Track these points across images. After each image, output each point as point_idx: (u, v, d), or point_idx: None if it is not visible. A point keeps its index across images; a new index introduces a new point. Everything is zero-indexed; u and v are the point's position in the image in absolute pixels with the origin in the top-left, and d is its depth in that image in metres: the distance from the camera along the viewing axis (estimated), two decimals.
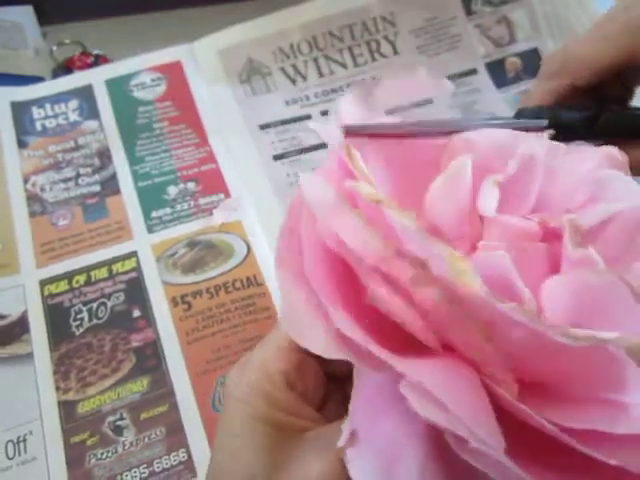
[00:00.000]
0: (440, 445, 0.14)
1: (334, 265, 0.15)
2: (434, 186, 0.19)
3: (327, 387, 0.21)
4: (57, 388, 0.34)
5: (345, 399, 0.17)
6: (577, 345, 0.12)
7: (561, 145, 0.20)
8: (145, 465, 0.32)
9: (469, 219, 0.19)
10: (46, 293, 0.38)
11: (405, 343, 0.14)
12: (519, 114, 0.35)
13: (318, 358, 0.21)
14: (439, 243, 0.14)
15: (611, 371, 0.13)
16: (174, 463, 0.32)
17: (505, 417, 0.14)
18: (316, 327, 0.15)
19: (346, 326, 0.14)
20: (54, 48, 0.53)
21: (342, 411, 0.17)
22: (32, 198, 0.42)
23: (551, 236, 0.18)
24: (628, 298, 0.14)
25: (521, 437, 0.14)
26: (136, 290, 0.38)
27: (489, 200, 0.18)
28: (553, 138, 0.33)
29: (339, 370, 0.21)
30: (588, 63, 0.33)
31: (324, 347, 0.15)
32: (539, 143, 0.20)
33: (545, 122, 0.33)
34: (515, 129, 0.26)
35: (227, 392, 0.20)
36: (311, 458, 0.17)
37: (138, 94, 0.47)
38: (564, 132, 0.33)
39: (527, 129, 0.32)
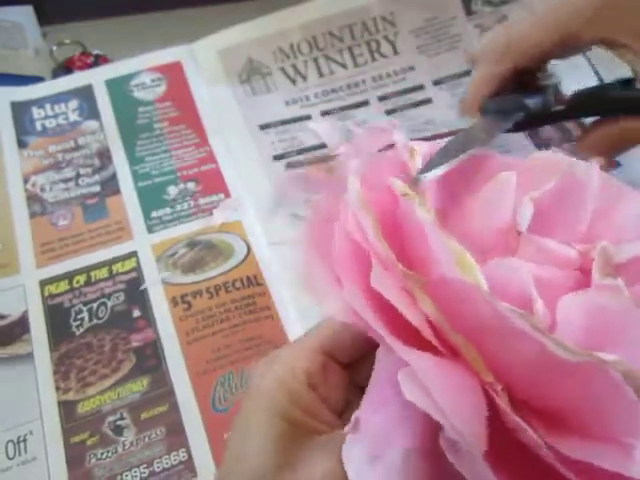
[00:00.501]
0: (430, 439, 0.14)
1: (360, 253, 0.16)
2: (476, 197, 0.19)
3: (351, 395, 0.21)
4: (57, 388, 0.34)
5: None
6: (573, 360, 0.12)
7: (620, 185, 0.20)
8: (145, 465, 0.32)
9: (506, 235, 0.18)
10: (46, 293, 0.38)
11: (415, 341, 0.14)
12: (485, 110, 0.35)
13: (343, 364, 0.21)
14: (451, 240, 0.14)
15: (623, 411, 0.13)
16: (174, 463, 0.32)
17: (503, 432, 0.14)
18: (334, 293, 0.15)
19: (358, 303, 0.14)
20: (54, 48, 0.53)
21: None
22: (32, 198, 0.42)
23: (590, 268, 0.18)
24: None
25: (513, 454, 0.14)
26: (136, 290, 0.38)
27: (522, 215, 0.18)
28: (520, 126, 0.33)
29: (364, 378, 0.21)
30: (533, 46, 0.33)
31: (339, 309, 0.15)
32: (589, 171, 0.19)
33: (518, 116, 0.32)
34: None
35: (252, 384, 0.20)
36: (318, 458, 0.17)
37: (138, 94, 0.47)
38: (529, 119, 0.33)
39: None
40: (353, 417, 0.16)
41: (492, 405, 0.14)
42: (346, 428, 0.16)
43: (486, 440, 0.13)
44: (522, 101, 0.33)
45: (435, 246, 0.15)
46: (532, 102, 0.33)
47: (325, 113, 0.48)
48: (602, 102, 0.35)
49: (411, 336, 0.14)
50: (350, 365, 0.21)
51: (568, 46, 0.34)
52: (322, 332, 0.20)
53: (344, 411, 0.21)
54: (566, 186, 0.19)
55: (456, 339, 0.14)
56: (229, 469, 0.19)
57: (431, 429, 0.14)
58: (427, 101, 0.48)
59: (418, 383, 0.13)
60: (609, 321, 0.14)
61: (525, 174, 0.19)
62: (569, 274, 0.17)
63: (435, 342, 0.14)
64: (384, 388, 0.16)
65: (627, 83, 0.35)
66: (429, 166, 0.19)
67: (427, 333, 0.14)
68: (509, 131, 0.33)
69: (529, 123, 0.34)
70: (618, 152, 0.37)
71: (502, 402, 0.14)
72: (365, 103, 0.48)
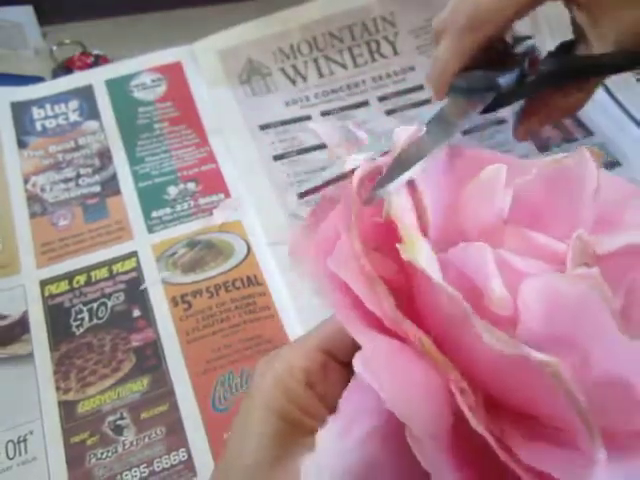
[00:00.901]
0: (395, 422, 0.14)
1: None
2: (467, 189, 0.18)
3: None
4: (57, 388, 0.34)
5: None
6: (499, 349, 0.12)
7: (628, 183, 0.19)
8: (145, 465, 0.32)
9: (493, 228, 0.18)
10: (46, 293, 0.38)
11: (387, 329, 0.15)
12: (453, 89, 0.32)
13: (344, 364, 0.21)
14: (407, 226, 0.15)
15: (564, 415, 0.13)
16: (174, 462, 0.32)
17: (468, 428, 0.14)
18: (315, 261, 0.16)
19: (323, 281, 0.15)
20: (54, 48, 0.53)
21: None
22: (32, 198, 0.42)
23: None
24: (604, 315, 0.13)
25: (477, 450, 0.14)
26: (136, 290, 0.38)
27: (503, 203, 0.18)
28: (491, 106, 0.31)
29: None
30: (506, 7, 0.30)
31: (317, 283, 0.16)
32: (588, 170, 0.19)
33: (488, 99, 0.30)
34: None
35: (252, 382, 0.20)
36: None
37: (138, 94, 0.47)
38: (501, 97, 0.31)
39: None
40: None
41: (457, 406, 0.14)
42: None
43: (439, 427, 0.13)
44: (494, 80, 0.30)
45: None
46: (504, 80, 0.30)
47: (325, 113, 0.48)
48: (573, 69, 0.33)
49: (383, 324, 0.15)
50: (350, 365, 0.21)
51: (539, 3, 0.31)
52: (323, 331, 0.20)
53: None
54: (560, 181, 0.18)
55: (413, 333, 0.14)
56: (228, 465, 0.19)
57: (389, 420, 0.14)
58: (427, 101, 0.48)
59: (371, 361, 0.13)
60: (568, 307, 0.13)
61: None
62: (552, 267, 0.16)
63: (400, 332, 0.14)
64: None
65: (568, 47, 0.34)
66: (390, 175, 0.18)
67: (389, 323, 0.14)
68: (480, 113, 0.30)
69: (500, 103, 0.31)
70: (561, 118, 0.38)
71: (457, 395, 0.13)
72: (365, 103, 0.48)
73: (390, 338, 0.14)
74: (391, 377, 0.13)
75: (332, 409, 0.20)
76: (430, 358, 0.14)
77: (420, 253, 0.14)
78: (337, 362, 0.20)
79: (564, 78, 0.33)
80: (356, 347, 0.20)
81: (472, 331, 0.13)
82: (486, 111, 0.31)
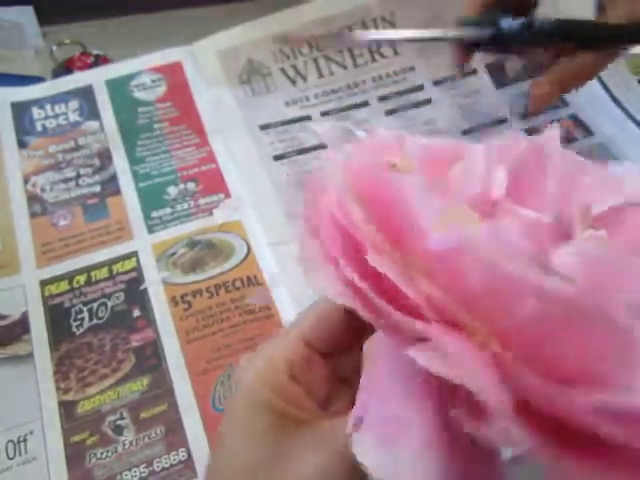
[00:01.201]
0: (445, 421, 0.14)
1: (347, 238, 0.16)
2: (452, 172, 0.19)
3: (334, 388, 0.21)
4: (57, 388, 0.34)
5: (351, 401, 0.17)
6: (575, 294, 0.12)
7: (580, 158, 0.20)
8: (145, 464, 0.32)
9: (481, 208, 0.18)
10: (46, 293, 0.38)
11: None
12: (460, 24, 0.36)
13: (324, 355, 0.21)
14: (433, 197, 0.15)
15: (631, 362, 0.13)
16: (174, 462, 0.32)
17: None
18: (327, 274, 0.16)
19: (360, 282, 0.15)
20: (54, 48, 0.53)
21: (346, 411, 0.17)
22: (32, 198, 0.42)
23: (563, 236, 0.18)
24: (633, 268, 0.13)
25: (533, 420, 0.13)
26: (136, 290, 0.38)
27: (497, 181, 0.18)
28: (491, 43, 0.34)
29: (346, 371, 0.21)
30: None
31: (331, 288, 0.15)
32: (550, 141, 0.19)
33: (488, 32, 0.34)
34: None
35: (235, 378, 0.20)
36: (311, 450, 0.17)
37: (138, 94, 0.47)
38: (503, 39, 0.34)
39: (471, 40, 0.33)
40: (353, 417, 0.16)
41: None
42: (347, 428, 0.16)
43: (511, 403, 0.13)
44: (497, 19, 0.34)
45: (422, 212, 0.15)
46: (507, 23, 0.34)
47: (325, 114, 0.48)
48: (576, 33, 0.36)
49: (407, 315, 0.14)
50: (331, 357, 0.21)
51: None
52: (304, 321, 0.20)
53: (327, 403, 0.21)
54: (528, 158, 0.19)
55: (462, 316, 0.14)
56: (220, 465, 0.19)
57: (444, 408, 0.14)
58: (427, 101, 0.48)
59: (438, 355, 0.13)
60: (598, 270, 0.14)
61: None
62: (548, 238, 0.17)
63: (437, 320, 0.14)
64: (382, 379, 0.16)
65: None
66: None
67: (428, 310, 0.14)
68: (475, 46, 0.35)
69: (501, 43, 0.35)
70: (575, 87, 0.40)
71: (514, 368, 0.13)
72: (365, 103, 0.48)
73: (438, 326, 0.14)
74: (457, 359, 0.13)
75: (317, 401, 0.20)
76: (483, 343, 0.14)
77: (471, 220, 0.14)
78: (319, 355, 0.20)
79: (559, 38, 0.36)
80: (335, 338, 0.20)
81: (526, 289, 0.13)
82: (485, 48, 0.35)
